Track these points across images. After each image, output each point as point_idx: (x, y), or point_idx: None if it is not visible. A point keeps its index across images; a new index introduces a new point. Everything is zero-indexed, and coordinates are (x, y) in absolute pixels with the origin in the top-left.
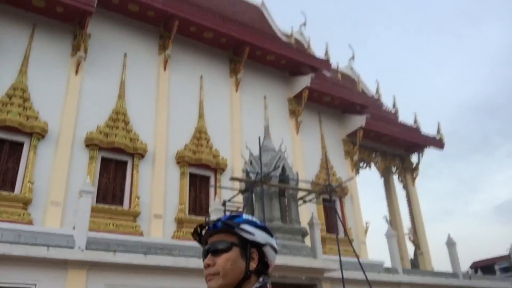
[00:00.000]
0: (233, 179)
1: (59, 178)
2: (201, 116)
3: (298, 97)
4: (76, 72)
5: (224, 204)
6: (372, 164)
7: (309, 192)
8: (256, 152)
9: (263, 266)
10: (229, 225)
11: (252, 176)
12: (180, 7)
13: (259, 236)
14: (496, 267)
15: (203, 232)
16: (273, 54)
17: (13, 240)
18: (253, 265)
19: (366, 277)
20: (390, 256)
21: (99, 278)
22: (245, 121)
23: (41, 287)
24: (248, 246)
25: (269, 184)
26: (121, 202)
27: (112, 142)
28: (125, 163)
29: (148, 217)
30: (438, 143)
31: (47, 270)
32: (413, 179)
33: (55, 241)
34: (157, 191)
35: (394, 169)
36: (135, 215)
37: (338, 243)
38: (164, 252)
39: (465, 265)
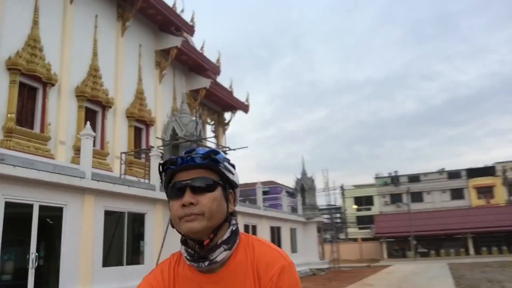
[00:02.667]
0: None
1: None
2: (94, 53)
3: (165, 52)
4: None
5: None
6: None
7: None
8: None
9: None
10: (216, 161)
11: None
12: None
13: (236, 176)
14: None
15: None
16: (154, 8)
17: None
18: (231, 206)
19: None
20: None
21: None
22: (125, 64)
23: (69, 207)
24: (227, 186)
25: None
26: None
27: (33, 70)
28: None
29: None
30: (245, 108)
31: (73, 194)
32: (224, 131)
33: (72, 172)
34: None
35: (210, 121)
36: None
37: None
38: None
39: None
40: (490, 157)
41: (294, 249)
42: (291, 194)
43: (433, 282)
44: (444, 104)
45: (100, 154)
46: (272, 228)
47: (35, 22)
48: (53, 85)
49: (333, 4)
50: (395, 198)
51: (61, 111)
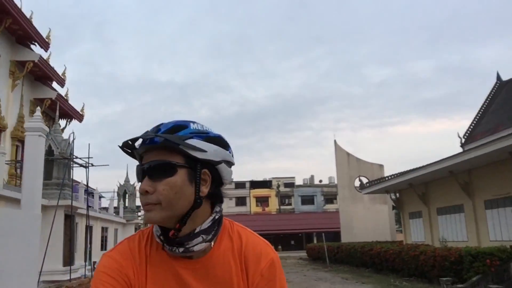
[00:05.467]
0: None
1: None
2: None
3: (21, 64)
4: None
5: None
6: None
7: None
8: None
9: (217, 187)
10: (171, 141)
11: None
12: None
13: (213, 152)
14: None
15: (136, 145)
16: (13, 20)
17: None
18: (204, 190)
19: None
20: None
21: None
22: None
23: None
24: (198, 167)
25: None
26: None
27: None
28: None
29: None
30: (80, 117)
31: None
32: None
33: None
34: None
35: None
36: None
37: None
38: None
39: None
40: (267, 167)
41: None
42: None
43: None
44: (234, 116)
45: None
46: (102, 228)
47: None
48: None
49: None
50: None
51: None
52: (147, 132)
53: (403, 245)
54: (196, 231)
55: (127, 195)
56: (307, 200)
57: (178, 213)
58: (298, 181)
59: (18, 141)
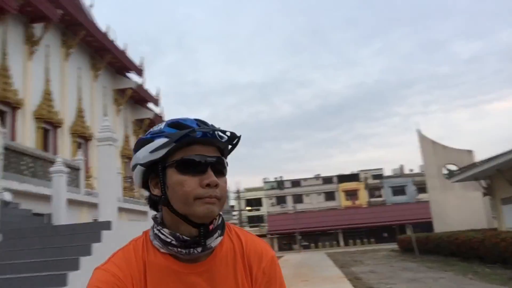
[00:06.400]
0: None
1: None
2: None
3: (121, 91)
4: None
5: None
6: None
7: None
8: None
9: None
10: (237, 143)
11: None
12: None
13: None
14: None
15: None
16: (112, 55)
17: None
18: None
19: None
20: None
21: None
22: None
23: None
24: None
25: None
26: None
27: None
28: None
29: None
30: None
31: None
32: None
33: None
34: None
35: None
36: None
37: None
38: None
39: None
40: (355, 158)
41: None
42: None
43: (320, 262)
44: (317, 109)
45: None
46: None
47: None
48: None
49: (218, 6)
50: (280, 200)
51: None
52: (204, 125)
53: (488, 232)
54: (212, 227)
55: None
56: (398, 190)
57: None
58: (387, 172)
59: (127, 158)
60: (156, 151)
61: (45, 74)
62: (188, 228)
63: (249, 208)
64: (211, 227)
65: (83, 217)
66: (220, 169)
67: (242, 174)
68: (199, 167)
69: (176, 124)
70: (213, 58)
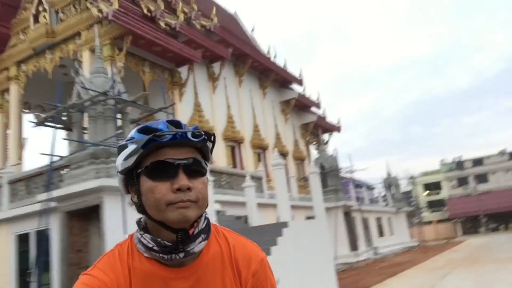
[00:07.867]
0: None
1: None
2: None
3: (287, 102)
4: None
5: None
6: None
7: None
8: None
9: None
10: (213, 141)
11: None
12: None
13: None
14: None
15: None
16: (276, 73)
17: None
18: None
19: None
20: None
21: None
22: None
23: None
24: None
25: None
26: None
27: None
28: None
29: None
30: (337, 129)
31: None
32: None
33: None
34: None
35: (312, 142)
36: None
37: None
38: None
39: None
40: None
41: (391, 232)
42: (370, 188)
43: (503, 245)
44: (500, 74)
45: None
46: (376, 219)
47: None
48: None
49: None
50: (462, 181)
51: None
52: (175, 126)
53: None
54: (196, 231)
55: (392, 187)
56: None
57: (202, 212)
58: None
59: (298, 159)
60: (128, 158)
61: (226, 102)
62: (168, 233)
63: (428, 192)
64: (191, 231)
65: (269, 215)
66: (196, 170)
67: (418, 157)
68: (169, 171)
69: (144, 129)
70: (373, 40)
